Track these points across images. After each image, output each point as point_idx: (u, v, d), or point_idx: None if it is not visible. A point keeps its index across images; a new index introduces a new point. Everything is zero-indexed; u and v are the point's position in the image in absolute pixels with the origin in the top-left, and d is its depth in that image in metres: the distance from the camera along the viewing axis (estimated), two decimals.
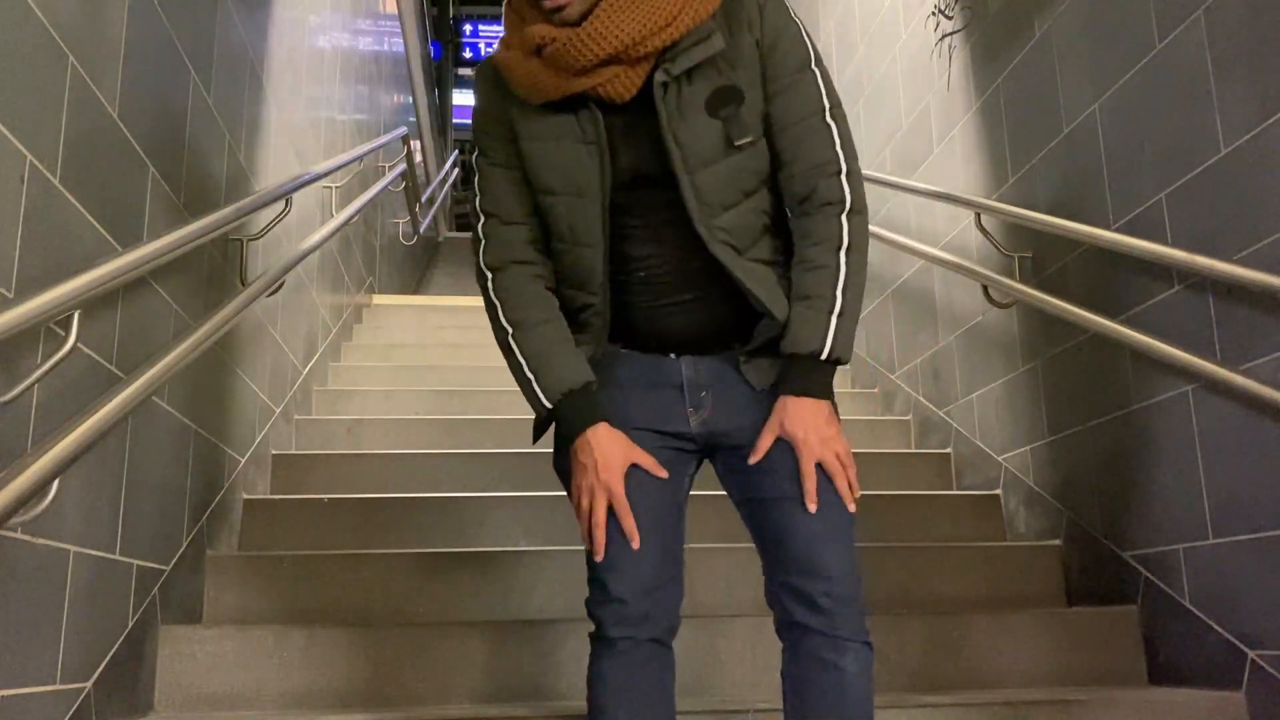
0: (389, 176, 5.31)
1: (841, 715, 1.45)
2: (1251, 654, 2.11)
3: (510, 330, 1.57)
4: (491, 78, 1.61)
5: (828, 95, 1.55)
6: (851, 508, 1.49)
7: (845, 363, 1.51)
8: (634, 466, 1.52)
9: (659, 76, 1.48)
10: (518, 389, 1.62)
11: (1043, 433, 2.94)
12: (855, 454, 1.37)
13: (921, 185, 3.62)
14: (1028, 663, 2.42)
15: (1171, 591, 2.35)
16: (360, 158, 4.49)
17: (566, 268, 1.59)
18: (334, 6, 4.57)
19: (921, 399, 3.82)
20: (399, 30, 7.64)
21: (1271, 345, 2.02)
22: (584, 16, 1.46)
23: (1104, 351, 2.60)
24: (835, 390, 1.57)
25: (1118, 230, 2.49)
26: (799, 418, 1.47)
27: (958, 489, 3.46)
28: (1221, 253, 2.12)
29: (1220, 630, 2.20)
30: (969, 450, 3.42)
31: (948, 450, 3.57)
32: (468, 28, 18.85)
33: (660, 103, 1.49)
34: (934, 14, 3.63)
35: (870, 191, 4.50)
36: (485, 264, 1.61)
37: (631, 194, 1.54)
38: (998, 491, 3.20)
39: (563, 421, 1.54)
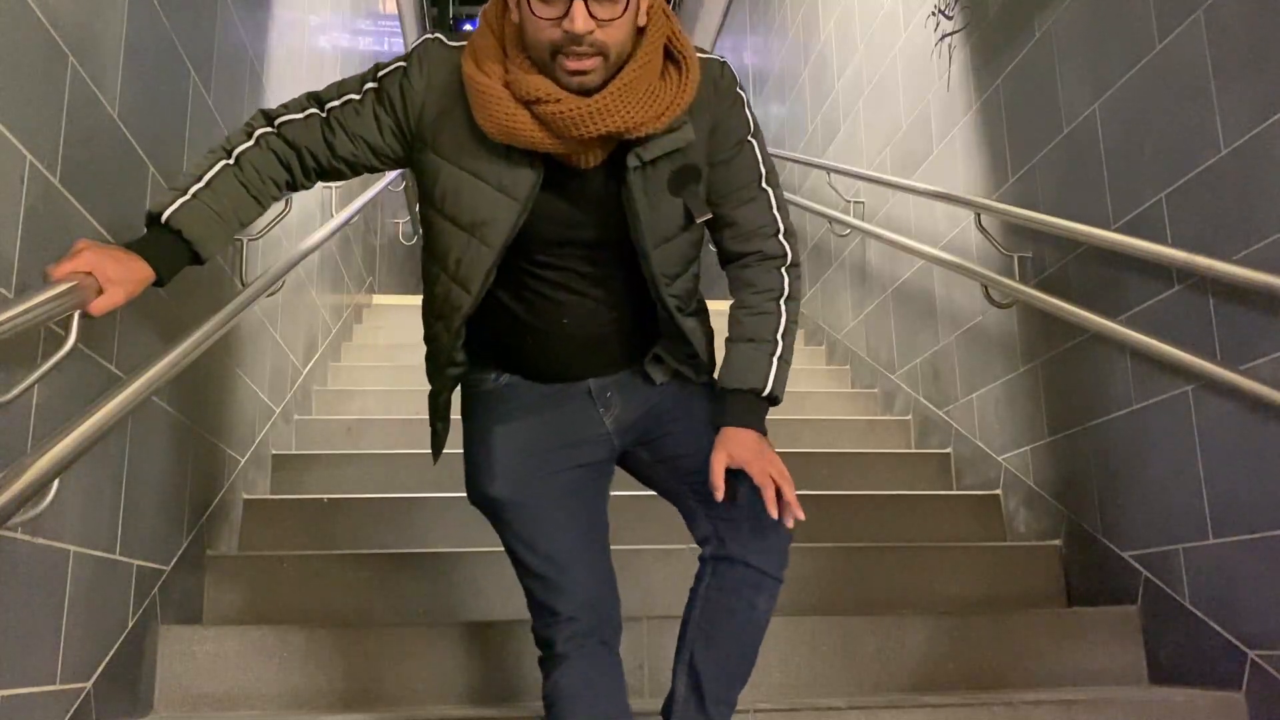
0: (389, 176, 5.29)
1: (746, 645, 1.64)
2: (1251, 654, 2.11)
3: (227, 160, 1.57)
4: (446, 76, 1.55)
5: (764, 162, 1.66)
6: (790, 522, 1.56)
7: (779, 402, 1.64)
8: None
9: (632, 161, 1.52)
10: None
11: (1042, 433, 2.94)
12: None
13: (921, 185, 3.62)
14: (1028, 663, 2.42)
15: (1171, 591, 2.35)
16: None
17: (435, 296, 1.63)
18: (334, 6, 4.57)
19: (921, 399, 3.82)
20: (399, 30, 7.64)
21: (1271, 345, 2.02)
22: (595, 90, 1.46)
23: (1104, 351, 2.60)
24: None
25: (1118, 230, 2.49)
26: (744, 446, 1.57)
27: (958, 489, 3.46)
28: (1221, 253, 2.12)
29: (1220, 630, 2.20)
30: (969, 450, 3.41)
31: (948, 450, 3.57)
32: (468, 28, 18.92)
33: (632, 184, 1.53)
34: (934, 14, 3.63)
35: (870, 191, 4.52)
36: (273, 117, 1.64)
37: (564, 250, 1.59)
38: (998, 491, 3.20)
39: (157, 238, 1.51)
